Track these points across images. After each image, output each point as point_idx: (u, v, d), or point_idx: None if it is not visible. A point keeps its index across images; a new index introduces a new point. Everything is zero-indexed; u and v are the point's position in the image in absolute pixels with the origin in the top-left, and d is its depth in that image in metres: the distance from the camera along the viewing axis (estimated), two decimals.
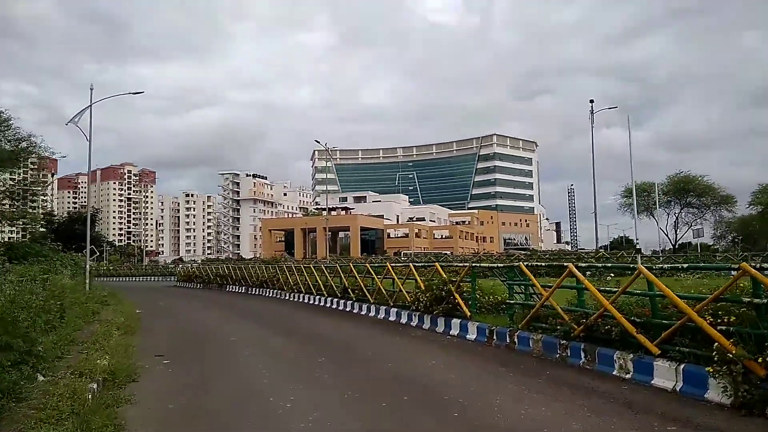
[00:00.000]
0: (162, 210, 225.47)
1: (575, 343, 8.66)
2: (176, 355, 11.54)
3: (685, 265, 10.41)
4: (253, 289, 31.36)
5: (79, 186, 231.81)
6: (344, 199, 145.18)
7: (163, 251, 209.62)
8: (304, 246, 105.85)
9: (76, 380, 7.75)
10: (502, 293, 12.63)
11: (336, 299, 20.08)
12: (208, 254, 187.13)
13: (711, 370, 6.14)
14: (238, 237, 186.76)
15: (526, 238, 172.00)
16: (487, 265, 12.71)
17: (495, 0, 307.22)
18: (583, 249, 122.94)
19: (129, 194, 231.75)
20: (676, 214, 67.27)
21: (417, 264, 18.25)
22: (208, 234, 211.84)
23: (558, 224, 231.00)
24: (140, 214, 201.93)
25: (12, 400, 6.42)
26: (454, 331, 12.12)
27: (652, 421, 5.80)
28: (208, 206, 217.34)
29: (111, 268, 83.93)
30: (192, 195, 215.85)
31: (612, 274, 12.63)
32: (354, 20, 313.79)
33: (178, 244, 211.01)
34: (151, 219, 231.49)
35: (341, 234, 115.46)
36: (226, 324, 16.82)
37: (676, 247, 67.97)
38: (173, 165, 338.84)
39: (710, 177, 64.54)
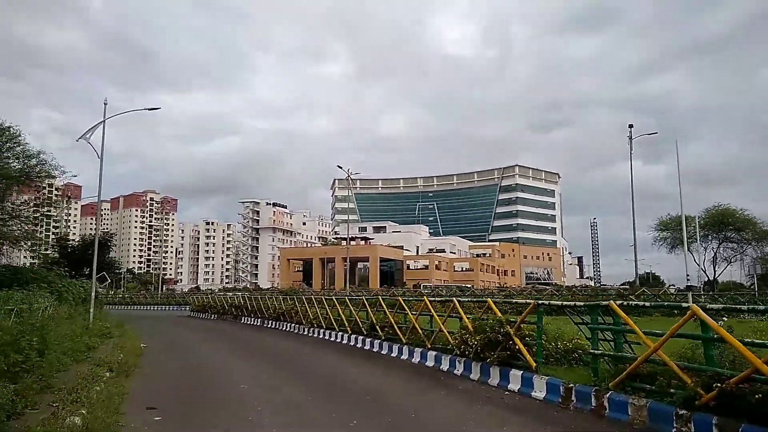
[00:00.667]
0: (182, 238, 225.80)
1: (703, 415, 6.30)
2: (173, 408, 9.35)
3: (745, 307, 8.09)
4: (270, 322, 29.17)
5: (102, 212, 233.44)
6: (364, 229, 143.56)
7: (181, 279, 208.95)
8: (322, 276, 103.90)
9: None
10: (570, 338, 10.32)
11: (361, 337, 17.80)
12: (226, 283, 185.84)
13: None
14: (257, 266, 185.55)
15: (548, 272, 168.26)
16: (558, 302, 10.39)
17: (513, 32, 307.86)
18: (605, 285, 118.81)
19: (150, 222, 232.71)
20: (714, 249, 63.84)
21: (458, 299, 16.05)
22: (227, 263, 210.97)
23: (580, 258, 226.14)
24: (160, 241, 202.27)
25: None
26: (514, 386, 9.76)
27: None
28: (228, 234, 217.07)
29: (126, 296, 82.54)
30: (212, 223, 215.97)
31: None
32: (372, 51, 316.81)
33: (197, 273, 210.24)
34: (172, 247, 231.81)
35: (360, 264, 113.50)
36: (237, 365, 14.61)
37: (713, 283, 64.41)
38: (194, 192, 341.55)
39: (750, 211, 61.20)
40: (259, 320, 31.11)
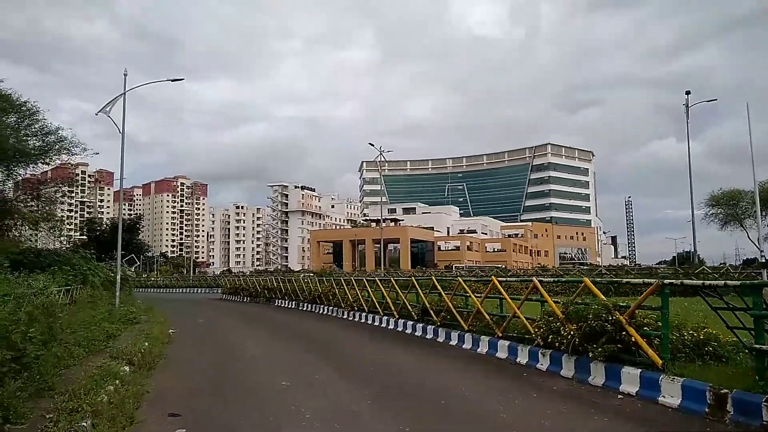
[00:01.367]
0: (213, 222, 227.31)
1: None
2: (201, 415, 7.50)
3: None
4: (305, 305, 27.43)
5: (134, 198, 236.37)
6: (393, 211, 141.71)
7: (213, 262, 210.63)
8: (352, 258, 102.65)
9: None
10: (697, 327, 8.12)
11: (411, 322, 15.80)
12: (257, 266, 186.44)
13: None
14: (287, 249, 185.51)
15: (583, 252, 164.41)
16: (691, 282, 8.18)
17: (541, 12, 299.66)
18: (640, 264, 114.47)
19: (182, 206, 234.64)
20: None
21: (501, 279, 13.96)
22: (258, 246, 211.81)
23: (614, 238, 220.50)
24: (192, 225, 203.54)
25: None
26: (629, 388, 7.60)
27: None
28: (258, 218, 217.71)
29: (159, 279, 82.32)
30: (242, 207, 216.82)
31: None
32: (397, 35, 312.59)
33: (228, 256, 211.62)
34: (203, 231, 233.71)
35: (390, 246, 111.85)
36: (275, 355, 12.74)
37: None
38: (222, 179, 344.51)
39: None
40: (293, 303, 29.44)
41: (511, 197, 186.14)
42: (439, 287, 14.36)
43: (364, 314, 19.90)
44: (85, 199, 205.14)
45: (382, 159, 51.95)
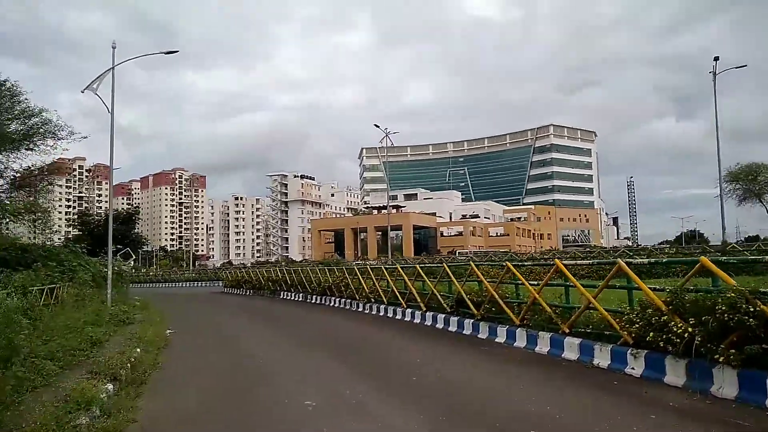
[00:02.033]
0: (212, 214, 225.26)
1: None
2: None
3: None
4: (314, 297, 25.40)
5: (132, 191, 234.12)
6: (394, 197, 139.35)
7: (213, 255, 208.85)
8: (354, 246, 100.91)
9: None
10: None
11: (443, 315, 13.73)
12: (258, 257, 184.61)
13: None
14: (287, 239, 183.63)
15: (587, 234, 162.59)
16: None
17: None
18: (642, 245, 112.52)
19: (180, 199, 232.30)
20: None
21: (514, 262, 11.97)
22: (257, 237, 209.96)
23: (615, 219, 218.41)
24: (191, 218, 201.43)
25: None
26: None
27: None
28: (257, 209, 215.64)
29: (158, 273, 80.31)
30: (241, 198, 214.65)
31: None
32: (395, 18, 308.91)
33: (228, 248, 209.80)
34: (202, 223, 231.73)
35: (392, 233, 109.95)
36: (292, 363, 10.62)
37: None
38: (221, 169, 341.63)
39: None
40: (300, 295, 27.41)
41: (514, 180, 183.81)
42: (479, 274, 12.26)
43: (383, 306, 17.84)
44: (82, 194, 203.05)
45: (389, 141, 49.71)
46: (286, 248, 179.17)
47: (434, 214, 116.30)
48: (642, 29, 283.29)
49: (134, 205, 60.90)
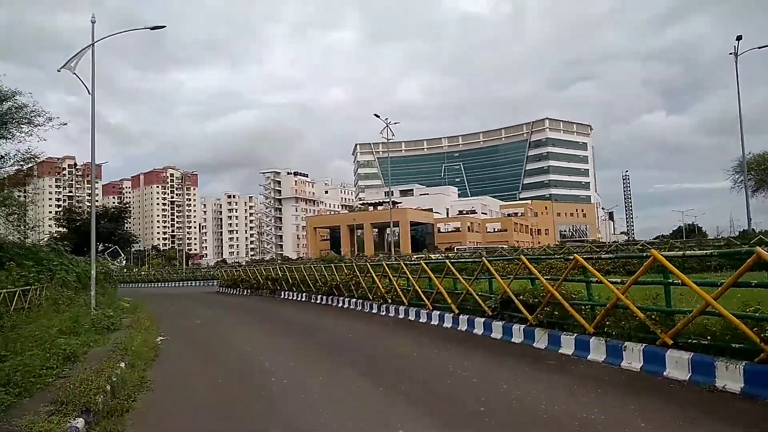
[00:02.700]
0: (205, 212, 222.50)
1: None
2: None
3: None
4: (319, 297, 23.31)
5: (123, 190, 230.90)
6: (390, 193, 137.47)
7: (206, 254, 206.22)
8: (351, 243, 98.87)
9: None
10: None
11: (482, 320, 11.69)
12: (252, 255, 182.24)
13: None
14: (281, 237, 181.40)
15: (584, 229, 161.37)
16: None
17: None
18: (641, 239, 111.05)
19: (172, 198, 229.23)
20: None
21: (530, 257, 10.04)
22: (251, 235, 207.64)
23: (611, 214, 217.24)
24: (183, 216, 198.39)
25: None
26: None
27: None
28: (250, 207, 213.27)
29: (150, 272, 77.96)
30: (234, 196, 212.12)
31: None
32: (385, 17, 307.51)
33: (221, 246, 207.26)
34: (194, 222, 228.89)
35: (388, 230, 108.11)
36: (311, 382, 8.52)
37: None
38: (212, 169, 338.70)
39: None
40: (303, 295, 25.31)
41: (510, 175, 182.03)
42: (534, 270, 10.16)
43: (402, 308, 15.75)
44: (72, 193, 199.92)
45: (390, 132, 47.60)
46: (281, 246, 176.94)
47: (431, 210, 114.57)
48: (631, 23, 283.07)
49: (124, 202, 58.47)
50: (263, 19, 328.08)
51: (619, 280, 8.30)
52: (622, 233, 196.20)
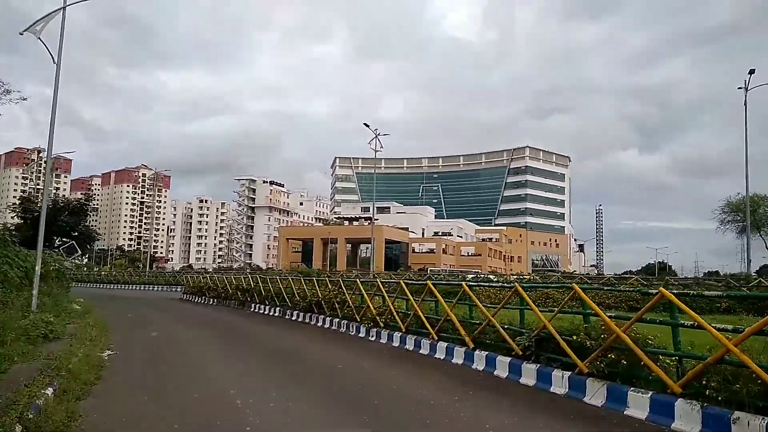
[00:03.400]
0: (174, 215, 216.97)
1: None
2: None
3: None
4: (296, 313, 20.88)
5: (92, 187, 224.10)
6: (366, 209, 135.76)
7: (172, 258, 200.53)
8: (323, 257, 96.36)
9: None
10: None
11: (507, 359, 9.50)
12: (219, 263, 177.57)
13: None
14: (251, 246, 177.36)
15: (557, 259, 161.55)
16: None
17: (515, 16, 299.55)
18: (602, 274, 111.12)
19: (142, 198, 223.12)
20: None
21: (584, 287, 8.09)
22: (220, 242, 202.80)
23: (581, 246, 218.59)
24: (152, 218, 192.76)
25: None
26: None
27: None
28: (222, 213, 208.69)
29: (111, 273, 74.13)
30: (206, 201, 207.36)
31: None
32: (372, 32, 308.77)
33: (189, 252, 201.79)
34: (163, 224, 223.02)
35: (362, 246, 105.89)
36: None
37: None
38: (186, 172, 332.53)
39: None
40: (277, 310, 22.82)
41: (487, 200, 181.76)
42: (592, 304, 8.08)
43: (398, 335, 13.45)
44: (39, 187, 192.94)
45: (379, 144, 45.61)
46: (250, 255, 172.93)
47: (407, 228, 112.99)
48: (611, 60, 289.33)
49: (87, 195, 55.01)
50: (251, 24, 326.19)
51: (730, 327, 6.20)
52: (592, 266, 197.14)
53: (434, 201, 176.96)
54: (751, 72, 30.83)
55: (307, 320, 19.71)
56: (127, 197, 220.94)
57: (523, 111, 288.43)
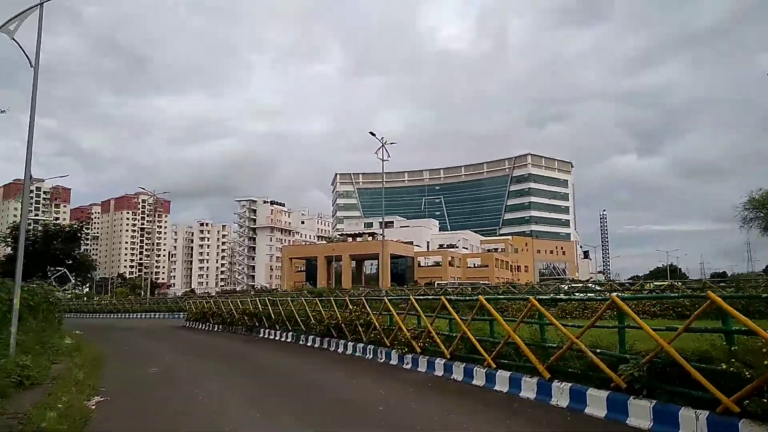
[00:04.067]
0: (175, 240, 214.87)
1: None
2: None
3: None
4: (311, 338, 18.71)
5: (92, 216, 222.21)
6: (369, 225, 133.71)
7: (174, 283, 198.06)
8: (327, 276, 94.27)
9: None
10: None
11: (607, 393, 7.34)
12: (222, 286, 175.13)
13: None
14: (254, 267, 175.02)
15: (564, 267, 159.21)
16: None
17: (508, 27, 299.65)
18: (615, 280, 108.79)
19: (142, 224, 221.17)
20: None
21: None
22: (222, 265, 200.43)
23: (586, 252, 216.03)
24: (152, 244, 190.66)
25: None
26: None
27: None
28: (223, 236, 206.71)
29: (112, 302, 71.80)
30: (206, 224, 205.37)
31: None
32: (366, 49, 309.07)
33: (191, 276, 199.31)
34: (164, 250, 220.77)
35: (366, 262, 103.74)
36: None
37: None
38: (186, 196, 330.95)
39: None
40: (290, 335, 20.65)
41: (490, 210, 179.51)
42: (749, 323, 5.95)
43: (441, 362, 11.24)
44: (39, 217, 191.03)
45: (387, 154, 43.69)
46: (252, 277, 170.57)
47: (411, 242, 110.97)
48: (605, 66, 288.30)
49: (81, 222, 52.95)
50: (245, 46, 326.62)
51: None
52: (599, 272, 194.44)
53: (437, 213, 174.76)
54: None
55: (325, 346, 17.51)
56: (127, 224, 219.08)
57: (521, 120, 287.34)
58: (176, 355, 18.10)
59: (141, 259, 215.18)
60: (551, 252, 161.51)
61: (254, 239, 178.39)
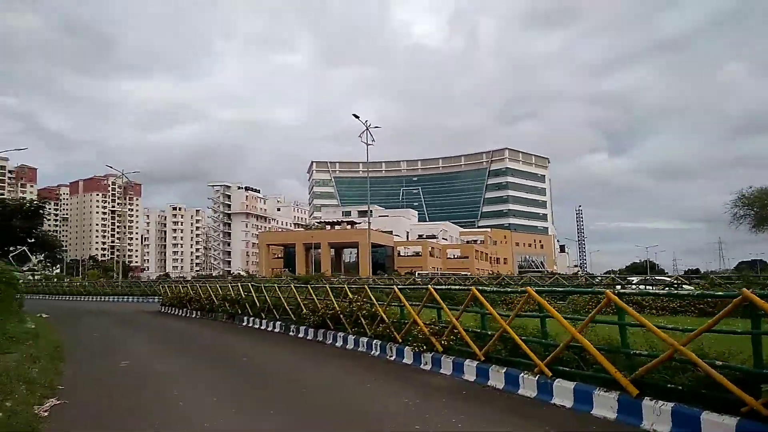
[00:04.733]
0: (148, 224, 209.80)
1: None
2: None
3: None
4: (303, 329, 16.82)
5: (60, 197, 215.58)
6: (348, 213, 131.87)
7: (148, 267, 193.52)
8: (306, 263, 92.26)
9: None
10: None
11: (753, 423, 5.68)
12: (198, 271, 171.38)
13: None
14: (229, 253, 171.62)
15: (542, 260, 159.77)
16: None
17: (480, 26, 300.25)
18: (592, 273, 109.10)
19: (113, 207, 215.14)
20: None
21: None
22: (197, 250, 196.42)
23: (563, 246, 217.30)
24: (124, 226, 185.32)
25: None
26: None
27: None
28: (197, 220, 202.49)
29: (83, 284, 68.65)
30: (179, 208, 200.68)
31: None
32: (338, 41, 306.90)
33: (164, 260, 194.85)
34: (137, 233, 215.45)
35: (346, 251, 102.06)
36: None
37: None
38: (157, 181, 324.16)
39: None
40: (277, 325, 18.75)
41: (468, 202, 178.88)
42: None
43: (472, 364, 9.51)
44: (4, 196, 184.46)
45: (371, 137, 41.72)
46: (228, 263, 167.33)
47: (391, 232, 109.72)
48: (574, 67, 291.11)
49: (41, 199, 49.88)
50: (214, 33, 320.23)
51: None
52: (575, 266, 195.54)
53: (415, 204, 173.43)
54: None
55: (320, 338, 15.62)
56: (98, 206, 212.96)
57: (492, 117, 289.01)
58: (151, 346, 16.04)
59: (113, 242, 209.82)
60: (529, 245, 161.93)
61: (229, 225, 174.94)
